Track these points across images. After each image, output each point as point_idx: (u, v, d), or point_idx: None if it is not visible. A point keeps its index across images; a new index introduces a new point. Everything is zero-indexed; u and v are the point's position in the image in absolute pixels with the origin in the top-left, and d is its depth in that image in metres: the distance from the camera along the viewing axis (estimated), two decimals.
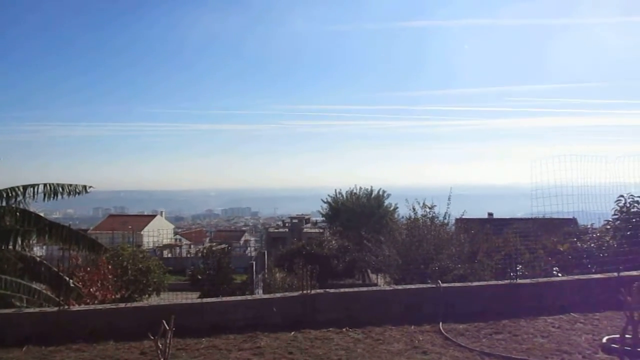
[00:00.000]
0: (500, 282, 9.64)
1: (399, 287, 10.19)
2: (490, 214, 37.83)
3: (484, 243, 15.18)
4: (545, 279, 10.09)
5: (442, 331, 7.57)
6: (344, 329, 7.79)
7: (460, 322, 7.98)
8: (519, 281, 9.51)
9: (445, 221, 17.26)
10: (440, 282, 9.21)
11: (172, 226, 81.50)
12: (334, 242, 34.29)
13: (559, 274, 11.61)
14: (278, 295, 9.64)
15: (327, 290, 9.07)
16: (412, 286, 10.00)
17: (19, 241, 9.42)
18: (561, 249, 13.31)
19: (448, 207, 17.35)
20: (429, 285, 9.30)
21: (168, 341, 5.61)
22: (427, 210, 16.93)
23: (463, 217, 18.65)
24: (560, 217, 14.13)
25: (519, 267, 11.56)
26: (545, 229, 15.37)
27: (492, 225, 18.40)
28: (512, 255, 10.32)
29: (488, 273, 13.03)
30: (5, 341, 7.32)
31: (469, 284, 10.15)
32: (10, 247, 9.43)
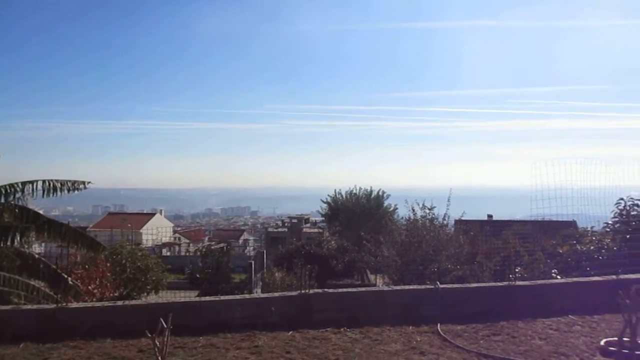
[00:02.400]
0: (498, 284, 9.63)
1: (398, 287, 10.18)
2: (489, 216, 37.80)
3: (483, 245, 15.19)
4: (544, 281, 10.09)
5: (440, 332, 7.56)
6: (342, 329, 7.78)
7: (458, 323, 7.97)
8: (518, 283, 9.49)
9: (445, 222, 17.24)
10: (438, 283, 9.20)
11: (172, 225, 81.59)
12: (333, 242, 34.32)
13: (558, 276, 11.60)
14: (276, 294, 9.65)
15: (326, 290, 9.06)
16: (411, 287, 10.00)
17: (18, 238, 9.40)
18: (560, 252, 13.31)
19: (447, 209, 17.34)
20: (427, 287, 9.29)
21: (166, 339, 5.60)
22: (427, 211, 16.92)
23: (462, 218, 18.65)
24: (560, 219, 14.13)
25: (518, 269, 11.56)
26: (545, 231, 15.38)
27: (492, 227, 18.43)
28: (511, 257, 10.30)
29: (487, 275, 13.03)
30: (3, 338, 7.31)
31: (468, 285, 10.15)
32: (9, 243, 9.42)
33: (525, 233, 14.12)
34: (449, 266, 14.52)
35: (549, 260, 12.85)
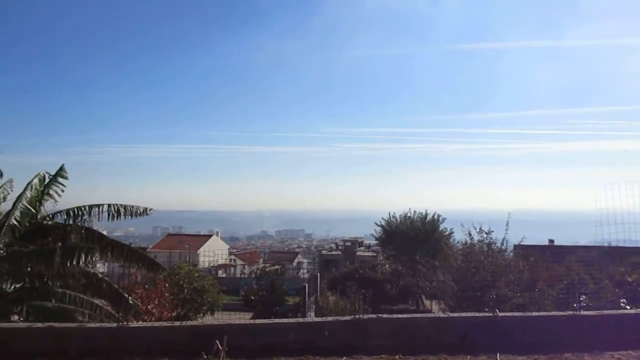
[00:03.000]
0: (562, 313, 9.21)
1: (455, 314, 9.91)
2: (551, 241, 36.30)
3: (545, 271, 14.60)
4: (611, 311, 9.58)
5: None
6: (396, 356, 7.63)
7: (518, 353, 7.66)
8: (583, 312, 9.05)
9: (503, 247, 16.75)
10: (497, 310, 8.89)
11: (227, 246, 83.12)
12: (387, 266, 33.86)
13: (627, 307, 10.98)
14: (330, 318, 9.60)
15: (380, 315, 8.93)
16: (468, 314, 9.70)
17: (83, 258, 9.81)
18: (629, 280, 12.62)
19: (506, 233, 16.85)
20: (486, 314, 9.00)
21: None
22: (484, 235, 16.52)
23: (522, 243, 18.04)
24: (628, 245, 13.44)
25: (583, 297, 11.03)
26: (611, 258, 14.67)
27: (553, 253, 17.75)
28: (575, 284, 9.85)
29: (549, 303, 12.50)
30: (68, 354, 7.61)
31: (529, 313, 9.75)
32: (75, 263, 9.84)
33: (590, 259, 13.51)
34: (508, 293, 14.01)
35: (617, 289, 12.21)
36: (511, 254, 17.74)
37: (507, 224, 17.07)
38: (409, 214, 41.21)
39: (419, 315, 9.79)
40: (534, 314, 9.73)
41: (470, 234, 16.85)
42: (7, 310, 9.98)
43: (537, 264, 15.37)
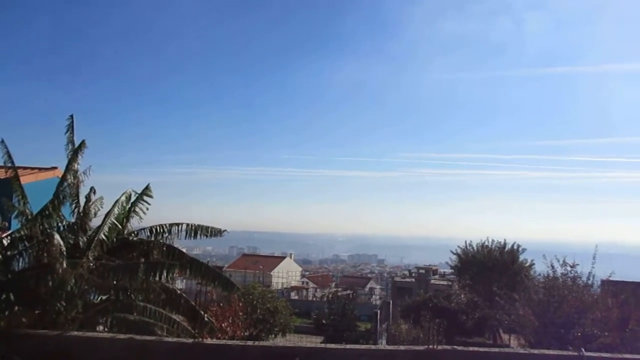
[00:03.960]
0: None
1: (535, 351, 9.37)
2: None
3: (637, 310, 13.55)
4: None
5: None
6: None
7: None
8: None
9: (589, 282, 15.74)
10: (583, 350, 8.32)
11: (300, 268, 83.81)
12: (462, 296, 32.73)
13: None
14: (402, 347, 9.35)
15: (455, 347, 8.62)
16: (551, 352, 9.13)
17: (165, 273, 10.23)
18: None
19: (593, 267, 15.86)
20: (570, 353, 8.45)
21: None
22: (568, 268, 15.63)
23: (611, 278, 16.88)
24: None
25: None
26: None
27: None
28: None
29: None
30: None
31: (619, 355, 9.04)
32: (157, 278, 10.28)
33: None
34: (596, 331, 13.11)
35: None
36: (598, 289, 16.63)
37: (593, 257, 16.09)
38: (486, 243, 39.79)
39: (496, 349, 9.34)
40: (626, 355, 9.01)
41: (552, 267, 16.00)
42: (94, 320, 10.54)
43: (628, 302, 14.30)
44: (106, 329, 10.44)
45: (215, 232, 12.75)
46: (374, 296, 62.21)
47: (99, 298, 11.11)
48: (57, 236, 9.88)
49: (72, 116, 11.87)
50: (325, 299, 32.58)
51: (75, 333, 8.93)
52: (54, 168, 17.32)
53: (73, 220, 11.47)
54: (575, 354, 8.17)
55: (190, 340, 8.78)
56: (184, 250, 13.62)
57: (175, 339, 9.43)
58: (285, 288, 56.82)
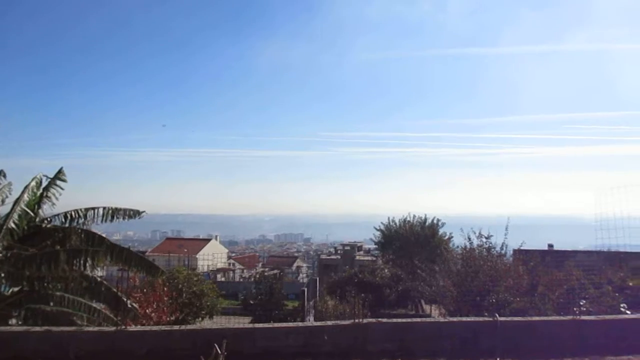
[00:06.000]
0: (562, 318, 9.19)
1: (454, 319, 9.88)
2: (550, 246, 36.27)
3: (544, 276, 14.55)
4: (612, 316, 9.55)
5: None
6: None
7: (518, 358, 7.64)
8: (583, 317, 9.02)
9: (503, 252, 16.69)
10: (497, 315, 8.86)
11: (226, 250, 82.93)
12: (386, 270, 33.78)
13: (628, 311, 10.95)
14: (329, 323, 9.55)
15: (380, 319, 8.90)
16: (468, 319, 9.67)
17: (89, 261, 9.80)
18: (630, 285, 12.59)
19: (505, 238, 16.80)
20: (485, 319, 8.98)
21: None
22: (484, 240, 16.47)
23: (521, 248, 18.00)
24: (628, 250, 13.41)
25: (583, 302, 11.00)
26: (611, 262, 14.62)
27: (553, 258, 17.71)
28: (575, 289, 9.82)
29: (549, 307, 12.46)
30: (66, 358, 7.58)
31: (529, 318, 9.72)
32: (81, 267, 9.81)
33: (590, 264, 13.46)
34: (508, 298, 13.96)
35: (617, 294, 12.17)
36: (511, 258, 17.68)
37: (506, 229, 17.03)
38: (408, 219, 41.17)
39: (418, 319, 9.76)
40: (535, 318, 9.70)
41: (469, 239, 16.79)
42: (6, 313, 9.94)
43: (536, 269, 15.34)
44: (20, 322, 9.88)
45: (133, 214, 12.35)
46: (300, 274, 62.93)
47: (10, 290, 10.46)
48: None
49: None
50: (253, 279, 32.49)
51: None
52: None
53: None
54: (491, 319, 8.69)
55: (113, 329, 8.49)
56: (104, 235, 13.09)
57: (96, 328, 9.09)
58: (212, 270, 56.14)
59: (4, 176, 11.10)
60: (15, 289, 10.49)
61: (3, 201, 11.03)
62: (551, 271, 14.60)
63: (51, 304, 10.33)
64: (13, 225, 10.21)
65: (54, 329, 8.34)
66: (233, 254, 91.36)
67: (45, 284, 10.45)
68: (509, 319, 9.26)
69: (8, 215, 10.39)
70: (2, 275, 9.72)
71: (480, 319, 9.28)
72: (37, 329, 8.44)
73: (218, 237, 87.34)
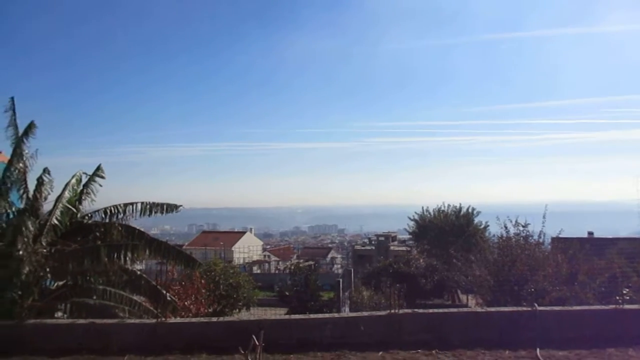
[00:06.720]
0: (604, 307, 8.97)
1: (492, 309, 9.76)
2: (590, 233, 35.36)
3: (584, 264, 14.20)
4: None
5: (540, 358, 7.14)
6: (433, 351, 7.57)
7: (559, 348, 7.50)
8: (626, 306, 8.79)
9: (540, 240, 16.35)
10: (536, 304, 8.71)
11: (261, 242, 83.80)
12: (421, 260, 33.57)
13: None
14: (365, 314, 9.56)
15: (416, 310, 8.87)
16: (506, 309, 9.52)
17: (129, 255, 10.07)
18: None
19: (543, 226, 16.42)
20: (524, 308, 8.84)
21: (258, 356, 5.73)
22: (520, 228, 16.16)
23: (560, 236, 17.59)
24: None
25: (626, 290, 10.69)
26: None
27: (593, 245, 17.23)
28: (618, 277, 9.55)
29: (590, 296, 12.16)
30: (109, 350, 7.82)
31: (569, 307, 9.51)
32: (122, 261, 10.09)
33: (633, 252, 13.06)
34: (547, 286, 13.67)
35: None
36: (549, 247, 17.31)
37: (544, 216, 16.66)
38: (442, 208, 40.81)
39: (455, 309, 9.68)
40: (575, 307, 9.49)
41: (506, 227, 16.51)
42: (52, 307, 10.29)
43: (575, 257, 14.97)
44: (65, 315, 10.21)
45: (170, 209, 12.57)
46: (335, 265, 63.04)
47: (55, 284, 10.83)
48: (28, 223, 9.65)
49: (12, 98, 11.27)
50: (288, 271, 32.72)
51: (32, 321, 8.70)
52: None
53: (22, 206, 11.03)
54: (529, 309, 8.55)
55: (153, 321, 8.71)
56: (143, 230, 13.39)
57: (137, 321, 9.34)
58: (247, 263, 56.80)
59: (49, 173, 11.43)
60: (60, 283, 10.84)
61: (45, 198, 11.36)
62: (591, 259, 14.24)
63: (94, 297, 10.64)
64: (56, 222, 10.52)
65: (98, 321, 8.62)
66: (268, 246, 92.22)
67: (88, 278, 10.76)
68: (548, 308, 9.09)
69: (51, 212, 10.71)
70: (47, 270, 10.05)
71: (519, 308, 9.13)
72: (82, 321, 8.73)
73: (253, 230, 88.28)
